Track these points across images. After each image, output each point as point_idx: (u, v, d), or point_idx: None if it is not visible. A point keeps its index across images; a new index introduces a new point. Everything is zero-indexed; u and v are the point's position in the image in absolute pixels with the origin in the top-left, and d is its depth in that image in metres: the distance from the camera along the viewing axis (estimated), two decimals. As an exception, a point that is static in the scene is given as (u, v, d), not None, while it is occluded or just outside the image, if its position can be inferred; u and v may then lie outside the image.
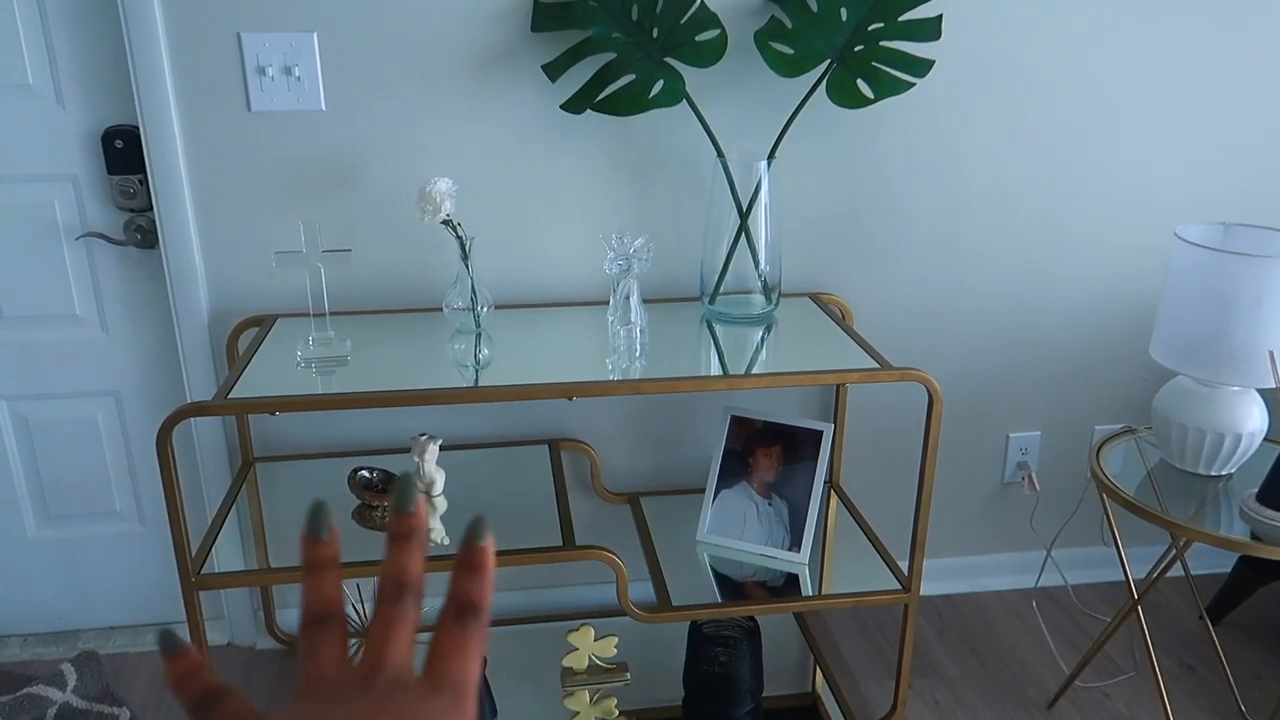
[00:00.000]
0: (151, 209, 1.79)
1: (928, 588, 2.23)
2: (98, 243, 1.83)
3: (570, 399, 1.56)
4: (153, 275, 1.86)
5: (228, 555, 1.65)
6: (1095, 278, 2.04)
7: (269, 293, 1.84)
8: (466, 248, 1.72)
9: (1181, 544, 1.61)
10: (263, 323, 1.81)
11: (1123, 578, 1.69)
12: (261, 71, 1.70)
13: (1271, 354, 1.44)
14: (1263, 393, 1.56)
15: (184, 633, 2.07)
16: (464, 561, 0.41)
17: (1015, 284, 2.03)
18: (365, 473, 1.78)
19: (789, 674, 1.98)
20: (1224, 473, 1.61)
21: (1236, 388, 1.55)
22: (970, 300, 2.03)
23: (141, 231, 1.82)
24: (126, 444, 1.97)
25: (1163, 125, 1.94)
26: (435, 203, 1.65)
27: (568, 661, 1.95)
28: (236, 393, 1.49)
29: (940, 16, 1.72)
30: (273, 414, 1.52)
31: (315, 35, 1.69)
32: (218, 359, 1.86)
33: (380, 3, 1.69)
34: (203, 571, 1.55)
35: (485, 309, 1.75)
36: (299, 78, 1.71)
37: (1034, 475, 2.15)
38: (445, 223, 1.68)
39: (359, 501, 1.77)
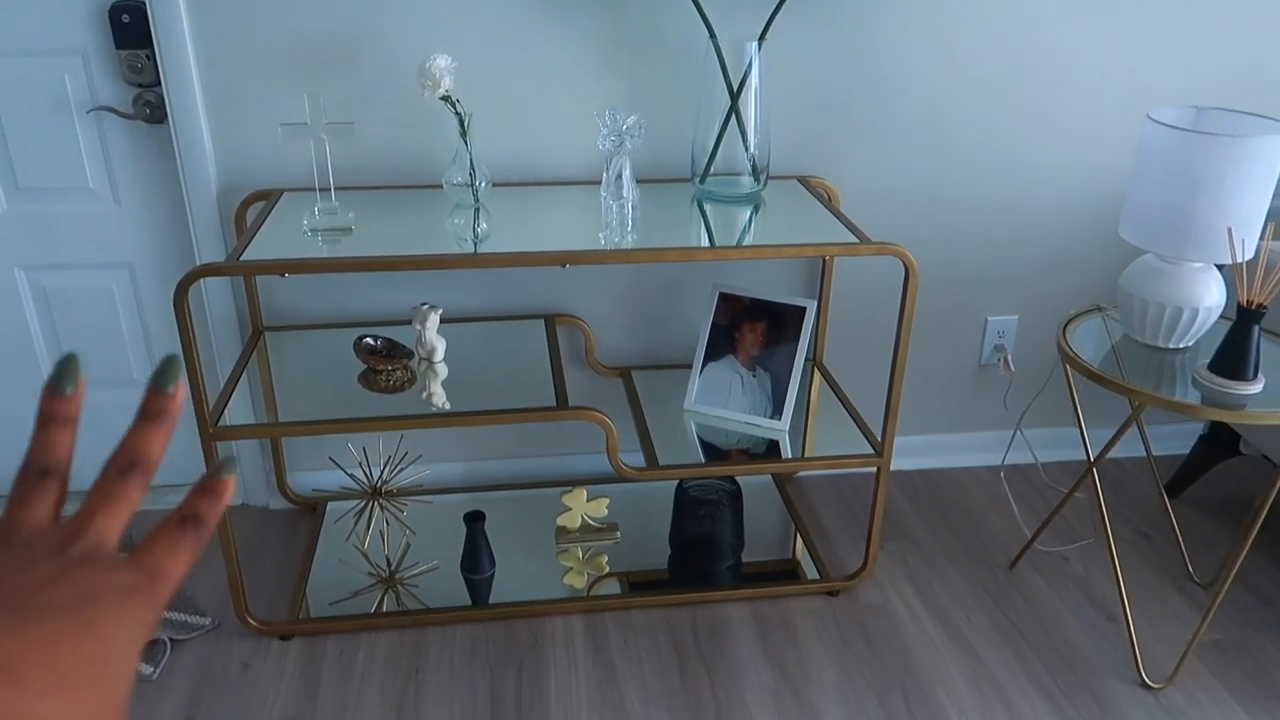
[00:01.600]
0: (159, 84, 1.84)
1: (904, 463, 2.35)
2: (108, 117, 1.89)
3: (564, 266, 1.64)
4: (162, 150, 1.92)
5: (241, 416, 1.75)
6: (1076, 168, 2.10)
7: (275, 167, 1.90)
8: (465, 124, 1.77)
9: (1137, 408, 1.71)
10: (269, 196, 1.88)
11: (1085, 453, 1.80)
12: (264, -55, 1.73)
13: (1230, 230, 1.52)
14: (1221, 269, 1.64)
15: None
16: (206, 485, 0.41)
17: (999, 172, 2.09)
18: (370, 340, 1.88)
19: (771, 542, 2.11)
20: (1182, 345, 1.70)
21: (1198, 264, 1.63)
22: (955, 186, 2.09)
23: (150, 106, 1.87)
24: (141, 314, 2.06)
25: (1148, 15, 1.97)
26: (435, 78, 1.70)
27: (562, 521, 2.08)
28: (247, 257, 1.57)
29: (932, -104, 1.74)
30: (283, 275, 1.60)
31: (316, -92, 1.72)
32: (227, 231, 1.94)
33: (379, -124, 1.71)
34: (219, 425, 1.66)
35: (484, 184, 1.82)
36: (300, -49, 1.74)
37: (1010, 357, 2.25)
38: (444, 99, 1.74)
39: (364, 366, 1.87)
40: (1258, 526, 1.64)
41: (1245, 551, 1.67)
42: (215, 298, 1.99)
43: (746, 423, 1.93)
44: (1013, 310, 2.23)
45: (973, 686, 1.74)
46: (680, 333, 2.16)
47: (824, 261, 2.10)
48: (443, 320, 2.07)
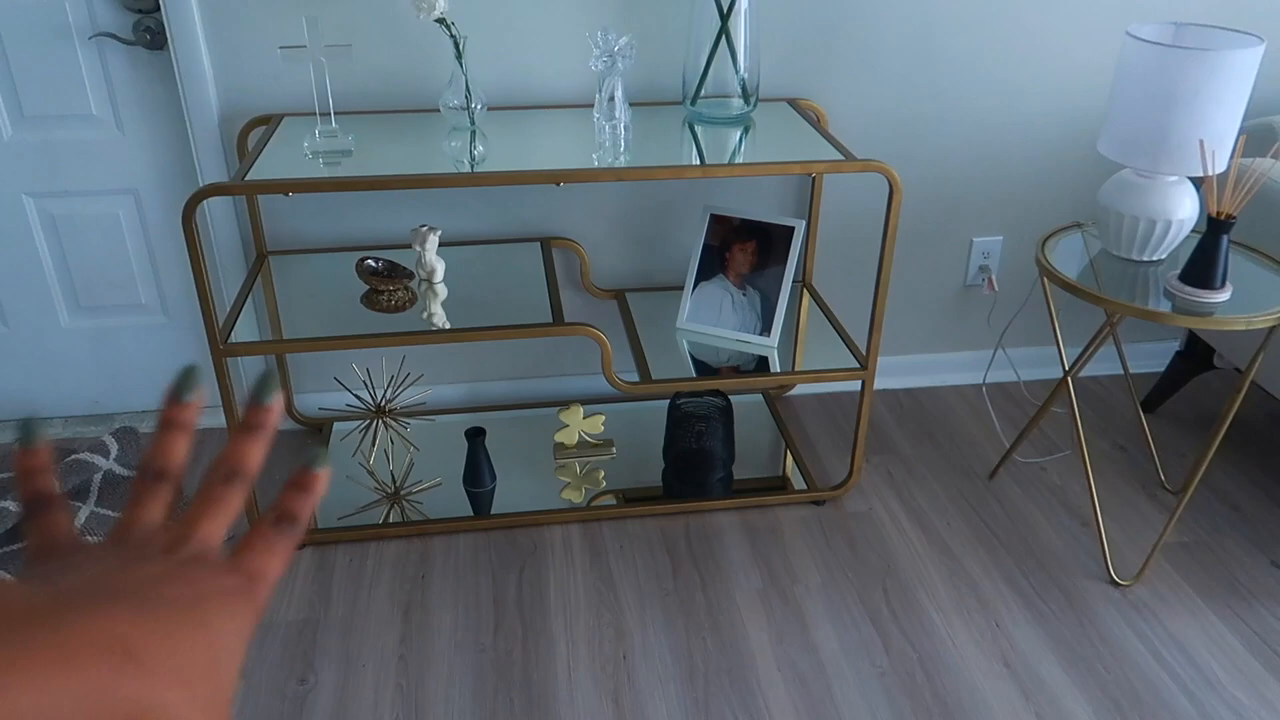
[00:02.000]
0: (159, 9, 1.87)
1: (890, 382, 2.42)
2: (109, 44, 1.92)
3: (558, 185, 1.69)
4: (164, 76, 1.96)
5: (247, 337, 1.82)
6: (1060, 87, 2.13)
7: (275, 91, 1.94)
8: (460, 47, 1.81)
9: (1116, 320, 1.78)
10: (270, 121, 1.92)
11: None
12: None
13: (1202, 143, 1.57)
14: (1195, 183, 1.69)
15: (213, 414, 2.27)
16: (296, 481, 0.42)
17: (985, 93, 2.12)
18: (371, 262, 1.94)
19: (762, 457, 2.19)
20: (1156, 258, 1.76)
21: (1173, 178, 1.68)
22: (941, 108, 2.13)
23: (150, 32, 1.91)
24: (147, 240, 2.11)
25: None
26: (431, 0, 1.74)
27: (559, 437, 2.16)
28: (251, 178, 1.62)
29: None
30: (286, 195, 1.65)
31: None
32: (229, 156, 1.98)
33: None
34: (229, 342, 1.72)
35: (479, 108, 1.86)
36: (294, -126, 1.76)
37: (994, 277, 2.31)
38: (440, 21, 1.77)
39: (366, 288, 1.93)
40: (1222, 433, 1.72)
41: (1210, 458, 1.75)
42: (219, 223, 2.04)
43: (737, 340, 2.00)
44: (998, 231, 2.29)
45: (949, 585, 1.83)
46: (673, 254, 2.22)
47: (813, 183, 2.15)
48: (442, 243, 2.12)
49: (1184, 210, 1.68)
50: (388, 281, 1.90)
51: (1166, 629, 1.74)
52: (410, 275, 1.94)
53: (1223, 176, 1.62)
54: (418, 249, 1.92)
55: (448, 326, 1.82)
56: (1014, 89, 2.12)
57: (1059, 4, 2.05)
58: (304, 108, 1.94)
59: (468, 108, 1.85)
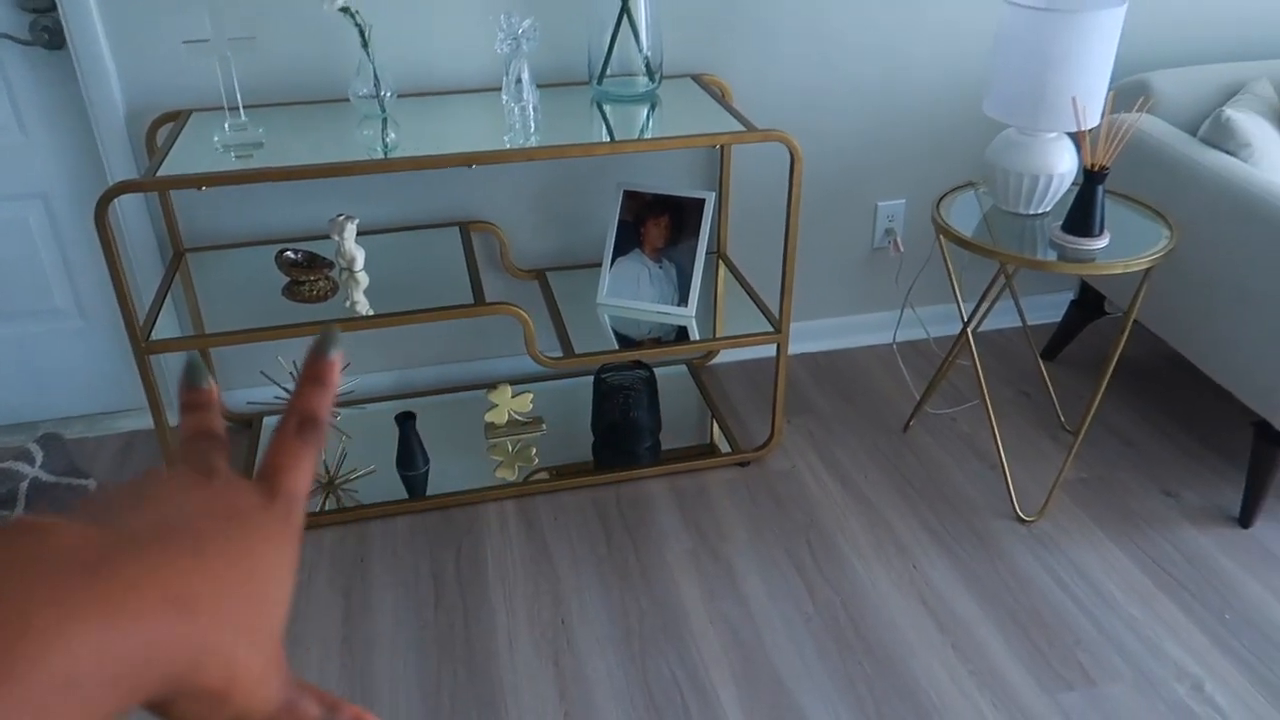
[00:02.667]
0: (55, 8, 1.85)
1: (807, 345, 2.52)
2: (6, 45, 1.89)
3: (470, 167, 1.73)
4: (65, 76, 1.94)
5: (169, 334, 1.82)
6: (947, 54, 2.24)
7: (182, 87, 1.94)
8: (366, 35, 1.83)
9: (1010, 272, 1.89)
10: (178, 117, 1.92)
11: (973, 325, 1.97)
12: None
13: (1074, 99, 1.67)
14: (1072, 138, 1.80)
15: (140, 415, 2.26)
16: (310, 374, 0.40)
17: (879, 62, 2.21)
18: (290, 253, 1.95)
19: (688, 425, 2.26)
20: (1041, 211, 1.87)
21: (1052, 134, 1.79)
22: (839, 78, 2.21)
23: (49, 32, 1.89)
24: (60, 243, 2.09)
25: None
26: (332, -10, 1.75)
27: (489, 417, 2.20)
28: (161, 174, 1.63)
29: None
30: (199, 189, 1.66)
31: None
32: (138, 154, 1.97)
33: None
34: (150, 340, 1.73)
35: (389, 95, 1.88)
36: None
37: (899, 239, 2.41)
38: (344, 10, 1.79)
39: (288, 279, 1.95)
40: (1109, 373, 1.84)
41: (1099, 397, 1.87)
42: (133, 222, 2.03)
43: (656, 311, 2.06)
44: (900, 194, 2.39)
45: (869, 533, 1.93)
46: (590, 232, 2.27)
47: (721, 155, 2.22)
48: (361, 232, 2.14)
49: (1064, 164, 1.79)
50: (308, 272, 1.92)
51: (1069, 558, 1.86)
52: (331, 265, 1.96)
53: (1095, 131, 1.73)
54: (336, 238, 1.94)
55: (371, 313, 1.85)
56: (904, 57, 2.22)
57: (944, -26, 2.14)
58: (212, 102, 1.94)
59: (377, 95, 1.87)
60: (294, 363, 2.23)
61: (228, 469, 0.37)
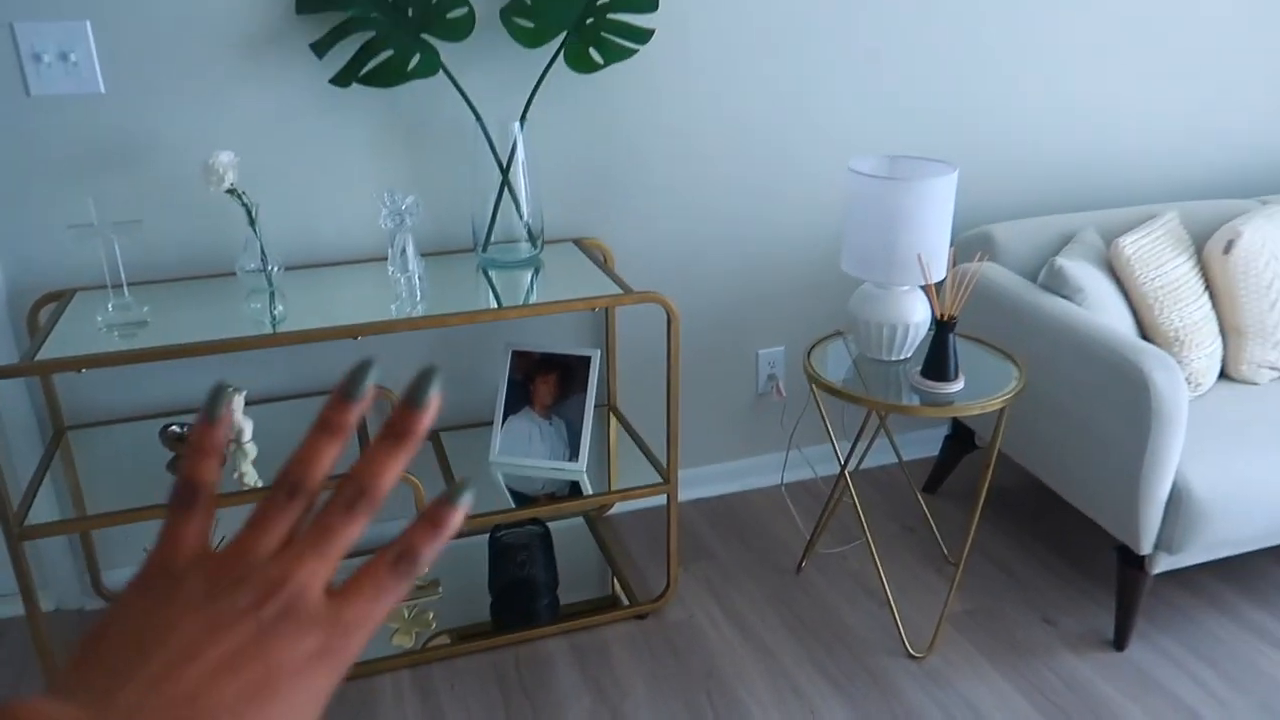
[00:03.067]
0: (-65, 195, 1.87)
1: (702, 491, 2.57)
2: (-119, 231, 1.89)
3: (356, 338, 1.77)
4: (-58, 260, 1.93)
5: (48, 516, 1.77)
6: (811, 212, 2.41)
7: (66, 267, 1.95)
8: (253, 214, 1.89)
9: (884, 415, 1.99)
10: (61, 296, 1.93)
11: (852, 465, 2.06)
12: (37, 59, 1.81)
13: (919, 256, 1.83)
14: (923, 289, 1.95)
15: (11, 602, 2.15)
16: (429, 514, 0.37)
17: (752, 218, 2.37)
18: (176, 428, 1.94)
19: (587, 578, 2.26)
20: (903, 357, 1.99)
21: (905, 287, 1.93)
22: (715, 239, 2.36)
23: (-74, 218, 1.89)
24: (-71, 426, 2.03)
25: (855, 75, 2.32)
26: (219, 174, 1.82)
27: (383, 582, 2.17)
28: (41, 357, 1.63)
29: (658, -7, 2.01)
30: (79, 371, 1.66)
31: (88, 23, 1.82)
32: (19, 334, 1.96)
33: (149, -8, 1.83)
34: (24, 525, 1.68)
35: (276, 269, 1.93)
36: (75, 63, 1.83)
37: (781, 384, 2.52)
38: (230, 191, 1.85)
39: (172, 454, 1.92)
40: (980, 505, 1.93)
41: (974, 529, 1.96)
42: (10, 402, 2.00)
43: (549, 468, 2.10)
44: (779, 342, 2.51)
45: (767, 680, 1.94)
46: (480, 391, 2.31)
47: (607, 314, 2.32)
48: (251, 402, 2.14)
49: (918, 314, 1.93)
50: (192, 445, 1.90)
51: (959, 693, 1.90)
52: (216, 437, 1.94)
53: (941, 283, 1.87)
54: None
55: (260, 484, 1.84)
56: (771, 217, 2.38)
57: (795, 140, 2.33)
58: (96, 281, 1.96)
59: (265, 270, 1.92)
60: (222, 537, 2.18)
61: (300, 580, 0.33)
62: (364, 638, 0.35)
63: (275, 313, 1.85)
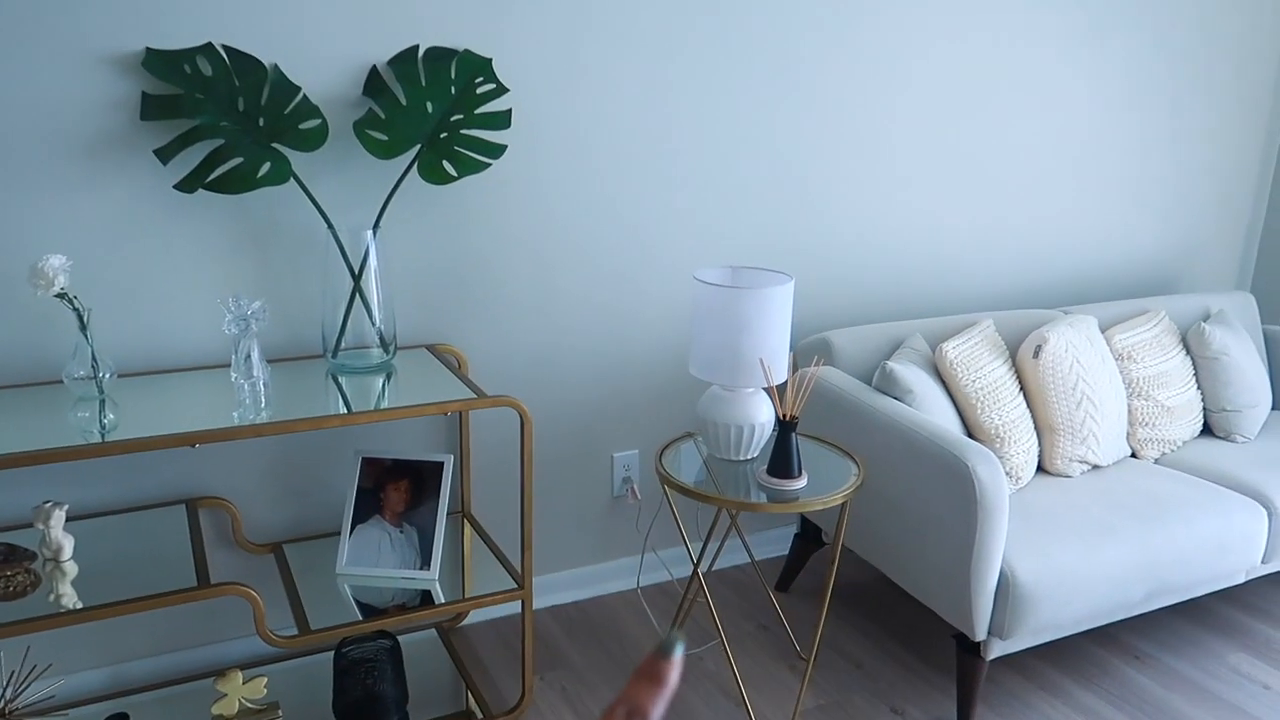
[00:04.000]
0: None
1: (557, 597, 2.54)
2: None
3: (194, 446, 1.70)
4: None
5: None
6: (661, 318, 2.50)
7: None
8: (85, 319, 1.81)
9: (734, 513, 2.04)
10: None
11: (705, 565, 2.10)
12: None
13: (761, 360, 1.92)
14: (766, 391, 2.05)
15: None
16: (646, 670, 0.40)
17: (604, 324, 2.43)
18: (-15, 547, 1.79)
19: (440, 692, 2.18)
20: (749, 456, 2.07)
21: (750, 389, 2.02)
22: (568, 344, 2.41)
23: None
24: None
25: (700, 192, 2.46)
26: (48, 278, 1.75)
27: (217, 709, 2.03)
28: None
29: (509, 110, 2.10)
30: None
31: (-92, 121, 1.74)
32: None
33: (-20, 92, 1.78)
34: None
35: (108, 375, 1.85)
36: (-109, 162, 1.74)
37: (635, 487, 2.55)
38: (60, 295, 1.78)
39: (-21, 576, 1.77)
40: (827, 599, 2.00)
41: (822, 624, 2.01)
42: None
43: (399, 577, 2.04)
44: (634, 445, 2.56)
45: (625, 787, 1.91)
46: (329, 500, 2.24)
47: (460, 419, 2.31)
48: (75, 516, 2.01)
49: (763, 414, 2.01)
50: (4, 567, 1.76)
51: (814, 788, 1.91)
52: (33, 556, 1.81)
53: (782, 385, 1.97)
54: (41, 527, 1.81)
55: (79, 606, 1.71)
56: (622, 323, 2.46)
57: (647, 248, 2.43)
58: (-99, 391, 1.82)
59: (95, 377, 1.83)
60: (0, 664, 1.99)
61: None
62: None
63: (105, 421, 1.76)
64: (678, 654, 0.42)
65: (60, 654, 2.08)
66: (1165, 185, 3.23)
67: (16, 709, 1.88)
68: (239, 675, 2.03)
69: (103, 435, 1.70)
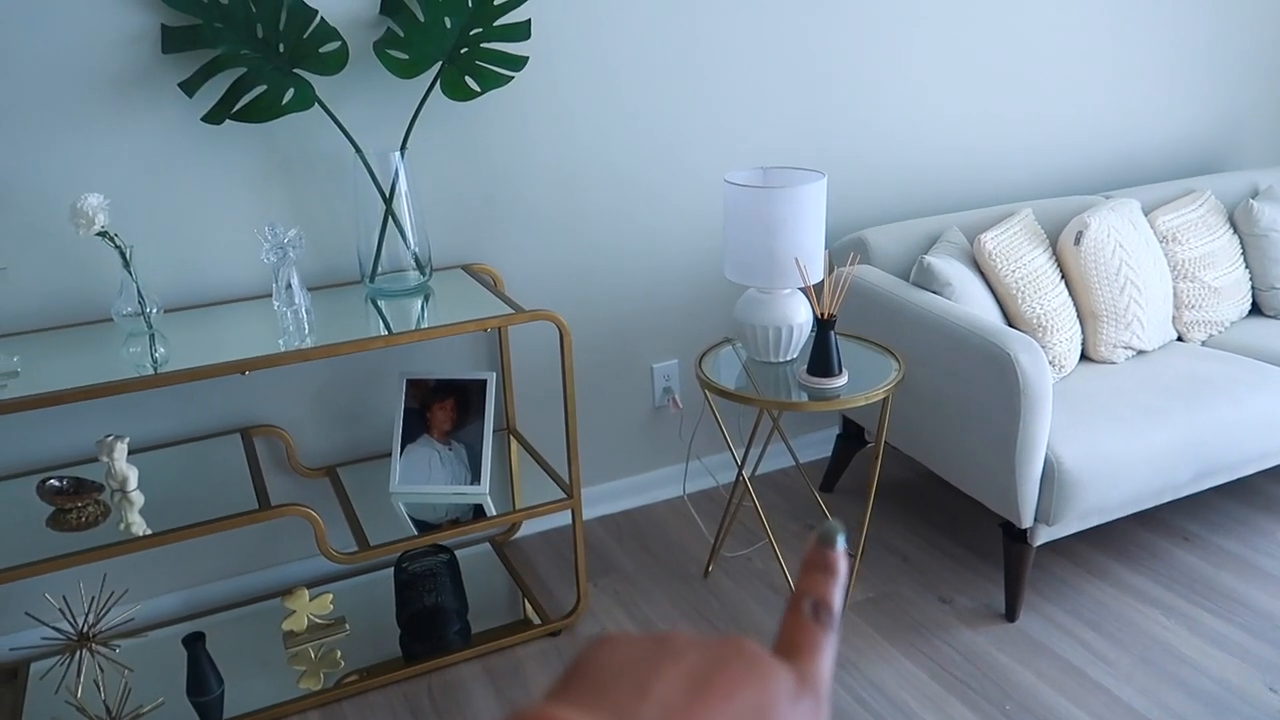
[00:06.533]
0: None
1: (605, 507, 2.60)
2: None
3: (244, 374, 1.74)
4: None
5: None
6: (691, 226, 2.49)
7: (-77, 324, 1.86)
8: (127, 256, 1.85)
9: (776, 415, 2.06)
10: (-79, 354, 1.84)
11: (749, 469, 2.12)
12: (-117, 107, 1.74)
13: (797, 260, 1.91)
14: (803, 291, 2.04)
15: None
16: (814, 561, 0.40)
17: (635, 236, 2.43)
18: (54, 481, 1.86)
19: (497, 603, 2.26)
20: (789, 358, 2.07)
21: (786, 290, 2.01)
22: (602, 257, 2.41)
23: None
24: None
25: (726, 94, 2.41)
26: (88, 216, 1.77)
27: (287, 625, 2.12)
28: (-98, 413, 1.55)
29: (529, 20, 2.06)
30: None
31: (-62, 69, 1.76)
32: (-126, 397, 1.85)
33: (8, 35, 1.78)
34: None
35: (155, 311, 1.89)
36: (-74, 111, 1.76)
37: (677, 397, 2.57)
38: (101, 234, 1.81)
39: (52, 509, 1.85)
40: (872, 496, 2.02)
41: (868, 519, 2.04)
42: None
43: (451, 493, 2.09)
44: (673, 355, 2.57)
45: (682, 682, 1.97)
46: (377, 423, 2.29)
47: (500, 337, 2.33)
48: (135, 450, 2.07)
49: (801, 315, 2.01)
50: (74, 499, 1.83)
51: (866, 676, 1.96)
52: (101, 488, 1.88)
53: (819, 284, 1.96)
54: (105, 460, 1.87)
55: (148, 532, 1.78)
56: (654, 233, 2.45)
57: (673, 156, 2.41)
58: (-40, 336, 1.87)
59: (143, 313, 1.87)
60: (64, 598, 2.08)
61: (812, 656, 0.36)
62: (829, 696, 0.38)
63: (156, 355, 1.81)
64: (841, 543, 0.41)
65: (136, 580, 2.18)
66: (1205, 59, 3.11)
67: (99, 632, 1.98)
68: (305, 593, 2.12)
69: (155, 368, 1.74)
